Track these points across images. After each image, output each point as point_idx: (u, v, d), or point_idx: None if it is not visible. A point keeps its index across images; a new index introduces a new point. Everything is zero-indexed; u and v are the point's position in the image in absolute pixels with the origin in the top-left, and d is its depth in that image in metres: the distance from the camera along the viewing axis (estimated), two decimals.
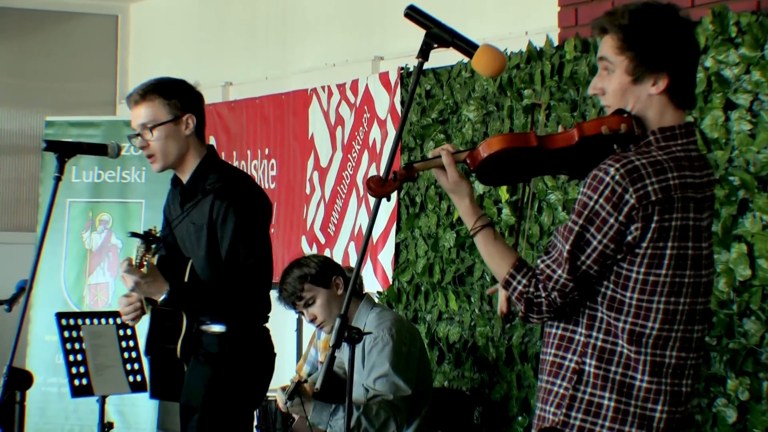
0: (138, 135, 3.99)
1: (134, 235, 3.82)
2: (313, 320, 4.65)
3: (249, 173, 7.22)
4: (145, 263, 3.80)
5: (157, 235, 3.84)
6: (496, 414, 5.02)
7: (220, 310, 3.96)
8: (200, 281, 3.99)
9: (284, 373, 6.35)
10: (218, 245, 3.92)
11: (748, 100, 3.97)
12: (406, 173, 2.87)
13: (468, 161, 2.86)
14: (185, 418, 4.03)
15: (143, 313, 4.04)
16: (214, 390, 3.95)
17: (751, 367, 3.94)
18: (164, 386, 4.13)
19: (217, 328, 3.98)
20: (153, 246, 3.83)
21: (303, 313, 4.69)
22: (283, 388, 4.36)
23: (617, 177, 2.63)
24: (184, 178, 4.06)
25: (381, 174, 2.87)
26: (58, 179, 3.89)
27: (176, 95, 4.00)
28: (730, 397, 3.99)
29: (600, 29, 2.76)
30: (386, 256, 5.78)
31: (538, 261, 2.75)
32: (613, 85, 2.75)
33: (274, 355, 4.12)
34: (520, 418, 4.89)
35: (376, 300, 5.33)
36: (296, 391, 4.28)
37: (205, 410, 3.96)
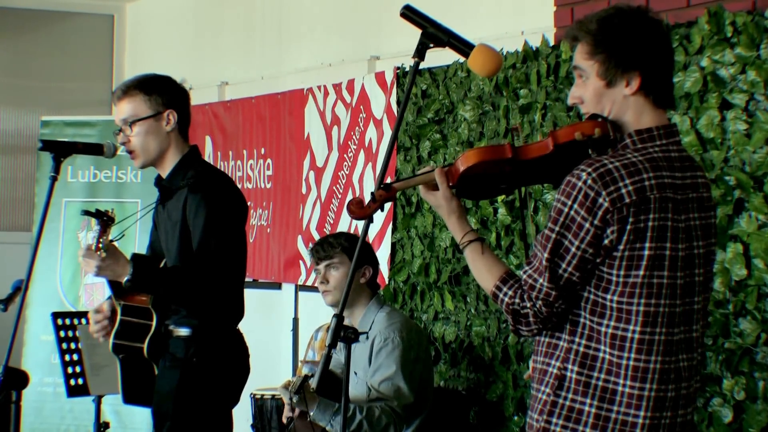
0: (121, 131, 4.00)
1: (87, 213, 3.73)
2: (323, 282, 4.68)
3: (245, 173, 7.23)
4: (101, 245, 3.70)
5: (113, 216, 3.75)
6: (492, 414, 5.03)
7: (188, 297, 3.88)
8: (170, 268, 3.95)
9: (280, 373, 6.36)
10: (190, 240, 3.88)
11: (743, 99, 3.97)
12: (385, 194, 2.88)
13: (447, 177, 2.87)
14: (158, 425, 3.99)
15: (112, 328, 4.00)
16: (183, 395, 3.90)
17: (746, 366, 3.94)
18: (136, 390, 4.05)
19: (183, 332, 3.94)
20: (108, 227, 3.72)
21: (318, 270, 4.71)
22: (286, 386, 4.36)
23: (589, 181, 2.64)
24: (164, 175, 4.06)
25: (377, 175, 2.88)
26: (54, 179, 3.89)
27: (157, 91, 4.00)
28: (725, 396, 3.99)
29: (572, 38, 2.79)
30: (382, 255, 5.78)
31: (521, 272, 2.76)
32: (589, 91, 2.76)
33: (248, 356, 4.09)
34: (516, 417, 4.90)
35: None
36: (302, 386, 4.27)
37: (176, 417, 3.92)
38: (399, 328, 4.56)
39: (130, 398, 4.09)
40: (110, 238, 3.77)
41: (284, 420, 4.49)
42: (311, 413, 4.29)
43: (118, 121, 4.01)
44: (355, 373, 4.57)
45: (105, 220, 3.72)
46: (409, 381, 4.49)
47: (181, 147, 4.04)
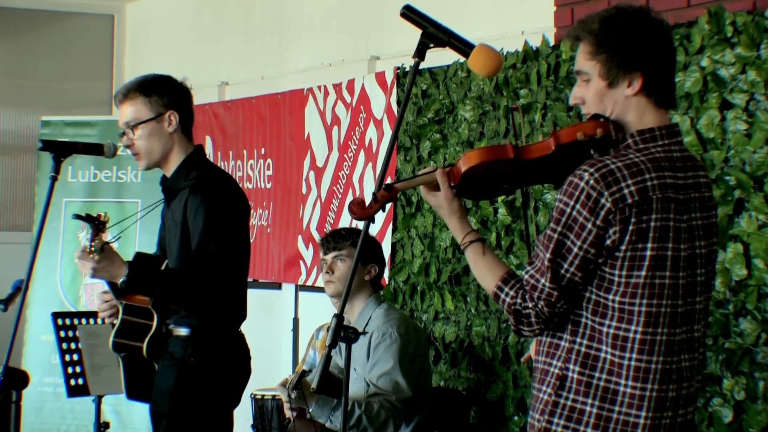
0: (124, 134, 4.01)
1: (78, 217, 3.74)
2: (327, 272, 4.69)
3: (245, 173, 7.23)
4: (94, 248, 3.70)
5: (105, 220, 3.75)
6: (492, 414, 5.03)
7: (185, 299, 3.88)
8: (167, 270, 3.95)
9: (280, 373, 6.36)
10: (190, 241, 3.88)
11: (744, 99, 3.97)
12: (387, 194, 2.88)
13: (448, 177, 2.87)
14: (155, 424, 4.00)
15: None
16: (180, 395, 3.90)
17: (747, 366, 3.94)
18: (138, 387, 4.07)
19: (182, 331, 3.94)
20: (100, 230, 3.72)
21: (325, 260, 4.72)
22: (284, 384, 4.36)
23: (591, 181, 2.64)
24: (169, 175, 4.06)
25: (378, 175, 2.88)
26: (54, 179, 3.89)
27: (157, 92, 4.00)
28: (726, 396, 3.99)
29: (574, 38, 2.79)
30: None
31: (523, 272, 2.76)
32: (591, 92, 2.77)
33: (249, 357, 4.08)
34: (516, 417, 4.90)
35: None
36: (299, 382, 4.27)
37: (171, 416, 3.92)
38: (397, 324, 4.58)
39: (132, 394, 4.12)
40: (108, 239, 3.77)
41: (284, 398, 4.46)
42: (310, 409, 4.30)
43: (121, 125, 4.02)
44: (354, 369, 4.58)
45: (96, 224, 3.72)
46: (407, 376, 4.49)
47: (185, 147, 4.04)
